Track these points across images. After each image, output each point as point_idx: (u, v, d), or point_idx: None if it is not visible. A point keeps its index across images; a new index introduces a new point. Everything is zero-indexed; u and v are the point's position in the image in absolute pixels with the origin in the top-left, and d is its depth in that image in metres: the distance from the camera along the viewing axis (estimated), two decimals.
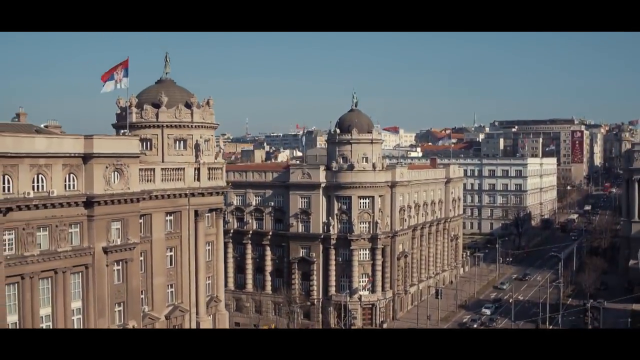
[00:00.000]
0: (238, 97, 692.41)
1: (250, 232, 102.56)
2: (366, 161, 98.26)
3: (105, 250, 54.05)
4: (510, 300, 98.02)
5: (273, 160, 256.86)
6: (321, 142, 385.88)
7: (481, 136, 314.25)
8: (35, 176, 49.70)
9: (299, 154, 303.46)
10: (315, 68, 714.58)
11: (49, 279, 51.00)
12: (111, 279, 55.05)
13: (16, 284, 48.73)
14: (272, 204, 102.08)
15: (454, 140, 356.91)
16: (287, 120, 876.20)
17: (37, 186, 49.83)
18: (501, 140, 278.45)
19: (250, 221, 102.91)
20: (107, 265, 54.42)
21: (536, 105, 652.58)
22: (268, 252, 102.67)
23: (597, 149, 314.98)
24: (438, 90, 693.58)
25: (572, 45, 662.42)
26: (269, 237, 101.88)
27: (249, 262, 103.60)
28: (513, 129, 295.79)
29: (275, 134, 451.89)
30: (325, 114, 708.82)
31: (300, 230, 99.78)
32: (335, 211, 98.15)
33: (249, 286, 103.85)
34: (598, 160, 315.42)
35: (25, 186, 48.72)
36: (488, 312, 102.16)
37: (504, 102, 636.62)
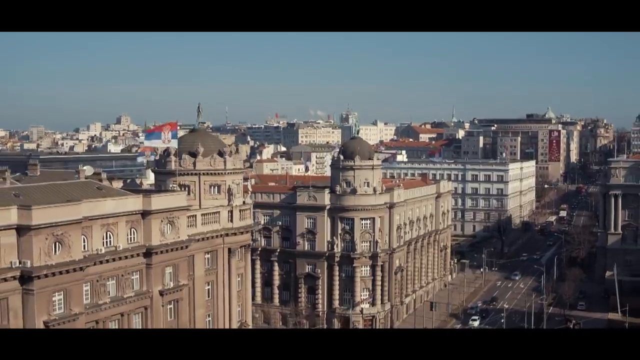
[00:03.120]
0: (213, 82, 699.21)
1: (259, 248, 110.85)
2: (367, 185, 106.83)
3: (161, 293, 62.36)
4: (502, 317, 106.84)
5: (259, 157, 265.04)
6: (302, 134, 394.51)
7: (461, 132, 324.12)
8: (105, 233, 57.76)
9: (283, 148, 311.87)
10: (290, 54, 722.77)
11: (116, 321, 59.21)
12: (165, 317, 63.44)
13: None
14: (280, 223, 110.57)
15: (433, 135, 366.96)
16: (265, 106, 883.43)
17: (106, 242, 57.90)
18: (481, 139, 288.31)
19: (259, 239, 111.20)
20: (162, 306, 62.78)
21: (514, 96, 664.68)
22: (276, 268, 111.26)
23: (573, 146, 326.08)
24: (416, 82, 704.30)
25: (547, 41, 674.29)
26: (277, 253, 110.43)
27: (258, 276, 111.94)
28: (492, 128, 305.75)
29: (256, 126, 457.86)
30: (302, 99, 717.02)
31: (306, 248, 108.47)
32: (339, 231, 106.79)
33: (258, 298, 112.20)
34: (574, 157, 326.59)
35: (97, 243, 56.75)
36: (475, 324, 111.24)
37: (482, 96, 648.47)
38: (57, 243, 52.09)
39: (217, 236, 71.50)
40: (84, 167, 73.51)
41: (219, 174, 73.71)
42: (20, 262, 50.23)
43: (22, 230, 50.42)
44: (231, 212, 73.32)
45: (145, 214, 60.80)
